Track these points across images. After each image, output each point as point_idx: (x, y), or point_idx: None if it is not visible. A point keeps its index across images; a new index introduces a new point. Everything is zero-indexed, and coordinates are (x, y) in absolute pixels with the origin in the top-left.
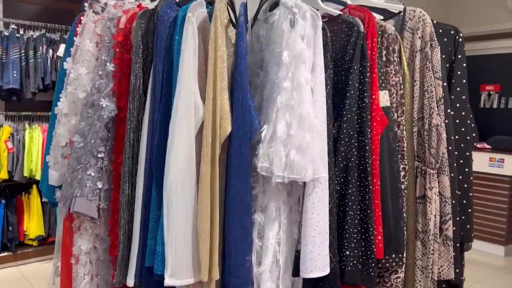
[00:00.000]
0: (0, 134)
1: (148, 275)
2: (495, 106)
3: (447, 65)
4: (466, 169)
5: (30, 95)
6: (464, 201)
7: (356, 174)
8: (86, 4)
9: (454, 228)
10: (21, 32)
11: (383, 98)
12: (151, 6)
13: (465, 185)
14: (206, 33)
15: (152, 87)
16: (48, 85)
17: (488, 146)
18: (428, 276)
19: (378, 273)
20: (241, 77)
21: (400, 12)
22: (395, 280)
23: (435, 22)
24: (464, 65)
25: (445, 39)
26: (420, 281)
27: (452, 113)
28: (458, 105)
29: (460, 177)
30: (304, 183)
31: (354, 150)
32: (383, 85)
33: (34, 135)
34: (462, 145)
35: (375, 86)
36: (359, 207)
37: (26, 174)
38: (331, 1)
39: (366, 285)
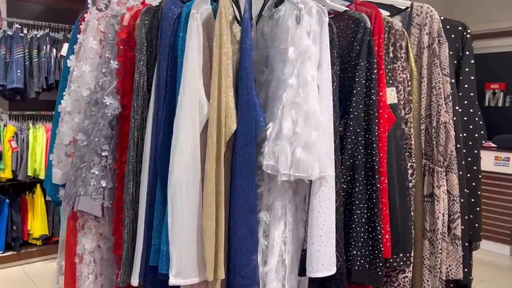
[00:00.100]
0: (4, 134)
1: (152, 274)
2: (500, 104)
3: (455, 62)
4: (475, 167)
5: (34, 94)
6: (473, 200)
7: (363, 172)
8: (89, 1)
9: (462, 227)
10: (25, 31)
11: (390, 95)
12: (155, 3)
13: (474, 184)
14: (210, 30)
15: (156, 85)
16: (51, 84)
17: (493, 145)
18: (436, 276)
19: (385, 272)
20: (246, 74)
21: (407, 8)
22: (402, 280)
23: (442, 18)
24: (472, 61)
25: (453, 36)
26: (428, 280)
27: (460, 110)
28: (466, 102)
29: (468, 175)
30: (310, 181)
31: (361, 148)
32: (390, 81)
33: (38, 134)
34: (470, 143)
35: (382, 83)
36: (366, 205)
37: (30, 173)
38: None
39: (374, 284)
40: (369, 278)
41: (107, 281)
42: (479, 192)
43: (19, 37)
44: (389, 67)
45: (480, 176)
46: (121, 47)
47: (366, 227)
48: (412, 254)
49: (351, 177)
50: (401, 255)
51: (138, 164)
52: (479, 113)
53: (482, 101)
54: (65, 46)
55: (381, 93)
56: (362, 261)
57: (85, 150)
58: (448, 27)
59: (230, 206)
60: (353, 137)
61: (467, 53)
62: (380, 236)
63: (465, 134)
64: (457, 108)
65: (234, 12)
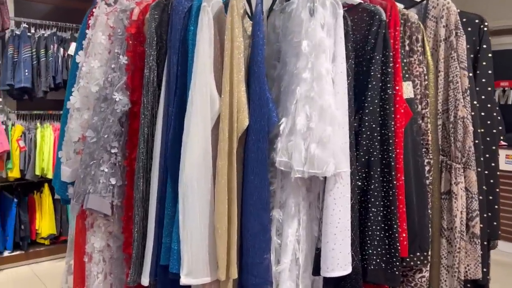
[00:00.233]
0: (12, 133)
1: (163, 273)
2: (510, 102)
3: (472, 55)
4: (492, 164)
5: (42, 93)
6: (491, 197)
7: (379, 169)
8: None
9: (481, 225)
10: (32, 31)
11: (407, 89)
12: None
13: (491, 181)
14: (221, 23)
15: (166, 80)
16: (59, 83)
17: (504, 143)
18: (454, 276)
19: (402, 272)
20: (259, 68)
21: (422, 0)
22: (419, 280)
23: (458, 11)
24: (490, 55)
25: (469, 29)
26: (445, 280)
27: (477, 105)
28: (483, 97)
29: (486, 172)
30: (325, 178)
31: (376, 143)
32: (407, 75)
33: (46, 133)
34: (488, 139)
35: (398, 76)
36: (382, 203)
37: (37, 172)
38: None
39: (390, 284)
40: (386, 277)
41: (116, 281)
42: (497, 190)
43: (26, 37)
44: (405, 60)
45: (498, 173)
46: (131, 42)
47: (382, 225)
48: (429, 253)
49: (366, 174)
50: (418, 254)
51: (148, 161)
52: (497, 108)
53: None
54: (73, 45)
55: (397, 88)
56: (378, 260)
57: (94, 147)
58: (464, 20)
59: (242, 203)
60: (368, 132)
61: (484, 46)
62: (396, 235)
63: (482, 130)
64: (475, 102)
65: (245, 6)
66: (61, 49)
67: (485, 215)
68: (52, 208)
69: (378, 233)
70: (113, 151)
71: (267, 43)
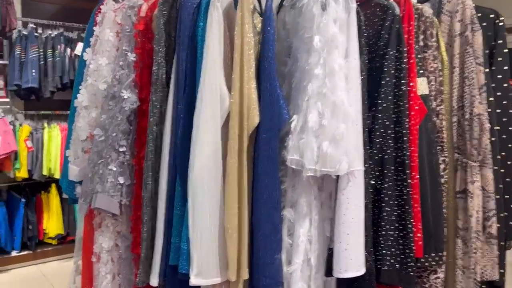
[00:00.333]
0: (19, 133)
1: (172, 274)
2: None
3: (487, 51)
4: (508, 162)
5: (49, 94)
6: (507, 196)
7: (392, 167)
8: None
9: (498, 225)
10: (40, 31)
11: (421, 86)
12: None
13: (508, 179)
14: (231, 19)
15: (175, 77)
16: (66, 83)
17: None
18: (470, 277)
19: (416, 273)
20: (269, 64)
21: None
22: (434, 281)
23: (473, 5)
24: (506, 50)
25: (484, 24)
26: (461, 282)
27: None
28: (499, 93)
29: (502, 170)
30: (337, 176)
31: (390, 141)
32: (421, 71)
33: (53, 134)
34: (504, 136)
35: (412, 72)
36: (396, 202)
37: (45, 172)
38: None
39: (404, 285)
40: (400, 278)
41: (125, 281)
42: None
43: (34, 37)
44: (419, 56)
45: None
46: (139, 39)
47: (396, 225)
48: (445, 253)
49: (379, 173)
50: (433, 254)
51: (157, 159)
52: None
53: None
54: (79, 45)
55: (411, 84)
56: (392, 261)
57: (103, 145)
58: (479, 15)
59: (253, 202)
60: (382, 130)
61: (500, 41)
62: (411, 235)
63: (498, 127)
64: (491, 99)
65: (254, 2)
66: (68, 49)
67: (501, 215)
68: (59, 208)
69: (392, 233)
70: (121, 149)
71: (277, 40)
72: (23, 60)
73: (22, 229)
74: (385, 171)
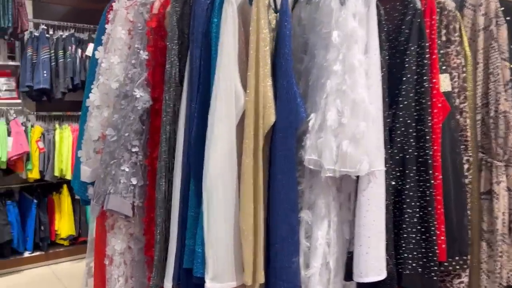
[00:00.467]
0: (31, 134)
1: (186, 277)
2: None
3: (511, 46)
4: None
5: (60, 95)
6: None
7: (414, 167)
8: None
9: None
10: (51, 32)
11: (444, 82)
12: None
13: None
14: (246, 15)
15: (189, 75)
16: (77, 84)
17: None
18: (495, 281)
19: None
20: (286, 61)
21: None
22: (458, 285)
23: None
24: None
25: (508, 18)
26: (485, 286)
27: None
28: None
29: None
30: (357, 177)
31: (412, 140)
32: (443, 67)
33: (64, 135)
34: None
35: (435, 69)
36: (418, 204)
37: (56, 173)
38: None
39: None
40: (422, 283)
41: (138, 284)
42: None
43: (45, 38)
44: (441, 51)
45: None
46: (151, 36)
47: (419, 227)
48: (469, 257)
49: (400, 173)
50: (457, 258)
51: (170, 160)
52: None
53: None
54: (90, 46)
55: (434, 80)
56: (414, 265)
57: (115, 146)
58: (503, 8)
59: (269, 204)
60: (403, 129)
61: None
62: (434, 237)
63: None
64: None
65: None
66: (79, 50)
67: None
68: (71, 209)
69: (414, 235)
70: (134, 150)
71: (292, 36)
72: (34, 61)
73: (34, 230)
74: (407, 172)
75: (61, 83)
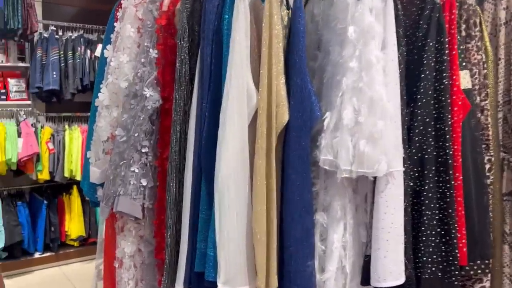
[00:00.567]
0: (41, 135)
1: (198, 281)
2: None
3: None
4: None
5: (69, 95)
6: None
7: (433, 168)
8: None
9: None
10: (60, 33)
11: (464, 79)
12: None
13: None
14: (257, 11)
15: (199, 73)
16: (86, 85)
17: None
18: None
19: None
20: (300, 58)
21: None
22: None
23: None
24: None
25: None
26: None
27: None
28: None
29: None
30: (374, 178)
31: (431, 139)
32: (463, 64)
33: (74, 135)
34: None
35: (455, 65)
36: (437, 205)
37: (66, 174)
38: None
39: None
40: (442, 287)
41: None
42: None
43: (54, 39)
44: (461, 47)
45: None
46: (161, 34)
47: (438, 230)
48: (491, 260)
49: (419, 174)
50: (478, 262)
51: (181, 160)
52: None
53: None
54: (99, 47)
55: (454, 77)
56: (433, 269)
57: (124, 146)
58: None
59: (283, 205)
60: (421, 127)
61: None
62: (455, 241)
63: None
64: None
65: None
66: (88, 51)
67: None
68: (81, 210)
69: (433, 238)
70: (143, 150)
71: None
72: (44, 62)
73: (44, 230)
74: (425, 172)
75: (70, 84)
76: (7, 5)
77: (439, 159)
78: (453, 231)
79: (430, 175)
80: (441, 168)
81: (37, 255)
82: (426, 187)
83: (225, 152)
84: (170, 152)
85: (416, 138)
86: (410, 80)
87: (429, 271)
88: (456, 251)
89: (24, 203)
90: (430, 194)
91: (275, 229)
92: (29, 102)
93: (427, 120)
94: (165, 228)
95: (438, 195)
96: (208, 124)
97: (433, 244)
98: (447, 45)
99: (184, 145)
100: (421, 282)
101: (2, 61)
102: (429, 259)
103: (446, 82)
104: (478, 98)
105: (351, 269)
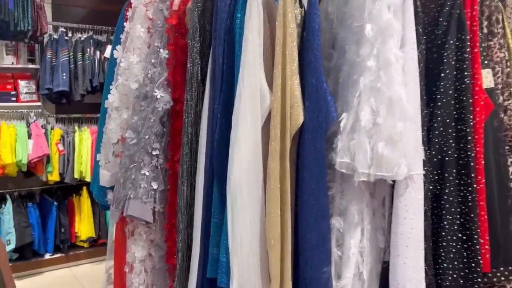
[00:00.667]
0: (51, 137)
1: (210, 287)
2: None
3: None
4: None
5: (79, 97)
6: None
7: (454, 171)
8: None
9: None
10: (70, 35)
11: (486, 78)
12: None
13: None
14: (271, 9)
15: (211, 74)
16: (96, 86)
17: None
18: None
19: None
20: (315, 57)
21: None
22: None
23: None
24: None
25: None
26: None
27: None
28: None
29: None
30: (393, 181)
31: (451, 141)
32: (485, 62)
33: (84, 137)
34: None
35: (476, 63)
36: (458, 210)
37: (76, 176)
38: None
39: None
40: None
41: None
42: None
43: (64, 41)
44: (483, 45)
45: None
46: (171, 34)
47: (459, 235)
48: None
49: (439, 176)
50: (501, 268)
51: (192, 163)
52: None
53: None
54: (108, 48)
55: (476, 76)
56: (455, 276)
57: (135, 149)
58: None
59: (298, 210)
60: (441, 129)
61: None
62: (477, 246)
63: None
64: None
65: None
66: (98, 52)
67: None
68: (90, 211)
69: (454, 244)
70: (154, 153)
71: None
72: (54, 64)
73: (54, 232)
74: (446, 175)
75: (80, 85)
76: (17, 7)
77: (460, 162)
78: (475, 236)
79: (451, 178)
80: (463, 171)
81: (47, 256)
82: (446, 191)
83: (238, 154)
84: (182, 154)
85: (436, 140)
86: (429, 80)
87: (450, 278)
88: (479, 257)
89: (34, 205)
90: (451, 198)
91: (289, 234)
92: (39, 103)
93: (448, 121)
94: (176, 232)
95: (459, 199)
96: (220, 126)
97: (454, 250)
98: (468, 43)
99: (195, 147)
100: None
101: (12, 63)
102: (450, 266)
103: (468, 81)
104: (501, 98)
105: (369, 275)
